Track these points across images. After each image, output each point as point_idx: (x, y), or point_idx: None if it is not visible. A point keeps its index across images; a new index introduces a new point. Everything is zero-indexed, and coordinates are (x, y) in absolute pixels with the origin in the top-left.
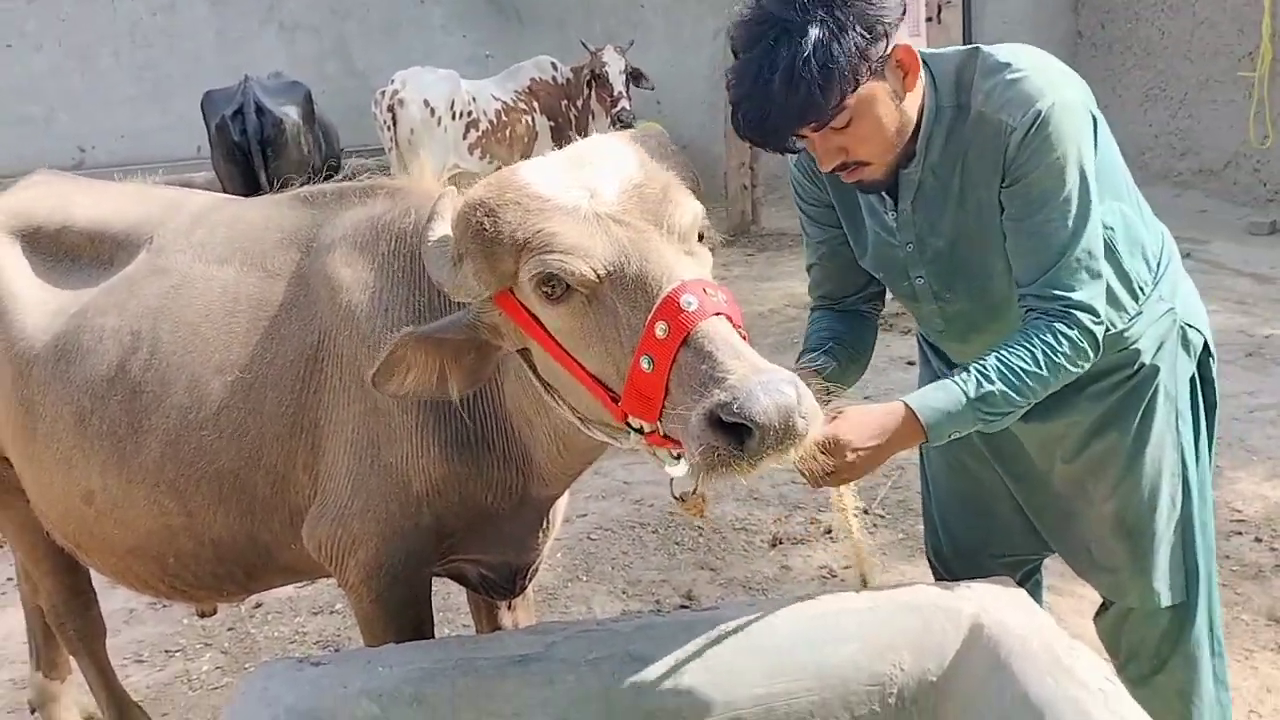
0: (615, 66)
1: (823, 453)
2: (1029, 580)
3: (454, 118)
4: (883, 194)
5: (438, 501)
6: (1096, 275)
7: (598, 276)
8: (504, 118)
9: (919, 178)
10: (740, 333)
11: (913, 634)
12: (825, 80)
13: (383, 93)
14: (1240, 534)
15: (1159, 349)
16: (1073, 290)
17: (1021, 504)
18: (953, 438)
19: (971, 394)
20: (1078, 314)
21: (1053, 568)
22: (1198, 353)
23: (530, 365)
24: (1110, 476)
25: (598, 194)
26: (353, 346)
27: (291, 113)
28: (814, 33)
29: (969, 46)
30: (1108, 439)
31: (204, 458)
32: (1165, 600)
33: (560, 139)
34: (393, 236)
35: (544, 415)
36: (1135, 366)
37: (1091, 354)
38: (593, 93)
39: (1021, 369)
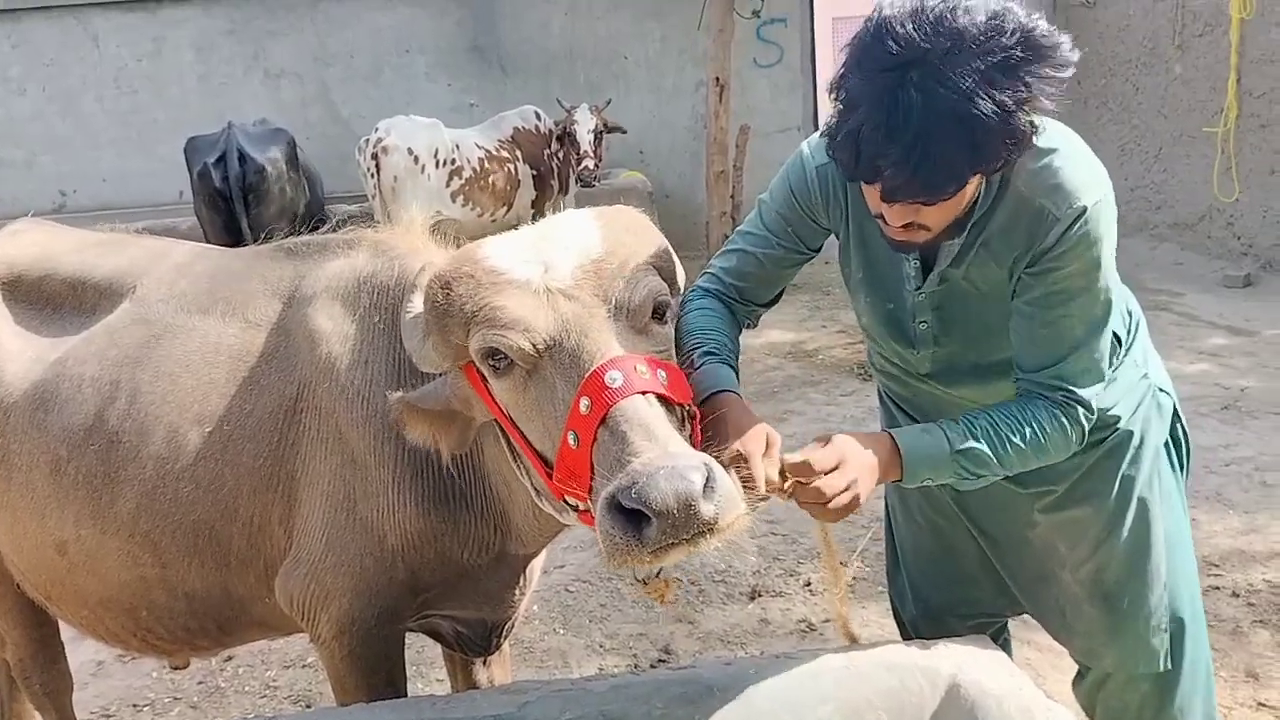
0: (585, 125)
1: (829, 482)
2: (997, 640)
3: (437, 165)
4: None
5: (413, 557)
6: (1100, 377)
7: (536, 351)
8: (487, 166)
9: (959, 247)
10: (689, 409)
11: (890, 694)
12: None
13: (366, 140)
14: (1217, 589)
15: (1135, 412)
16: (1078, 385)
17: (995, 564)
18: (924, 483)
19: (957, 445)
20: (1077, 408)
21: (1033, 623)
22: (1169, 416)
23: (503, 433)
24: (1088, 540)
25: (552, 269)
26: (331, 399)
27: (275, 159)
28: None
29: None
30: (1087, 503)
31: (180, 509)
32: (1146, 667)
33: (543, 188)
34: (375, 289)
35: (522, 478)
36: (1112, 430)
37: (1075, 447)
38: (564, 148)
39: (1009, 438)
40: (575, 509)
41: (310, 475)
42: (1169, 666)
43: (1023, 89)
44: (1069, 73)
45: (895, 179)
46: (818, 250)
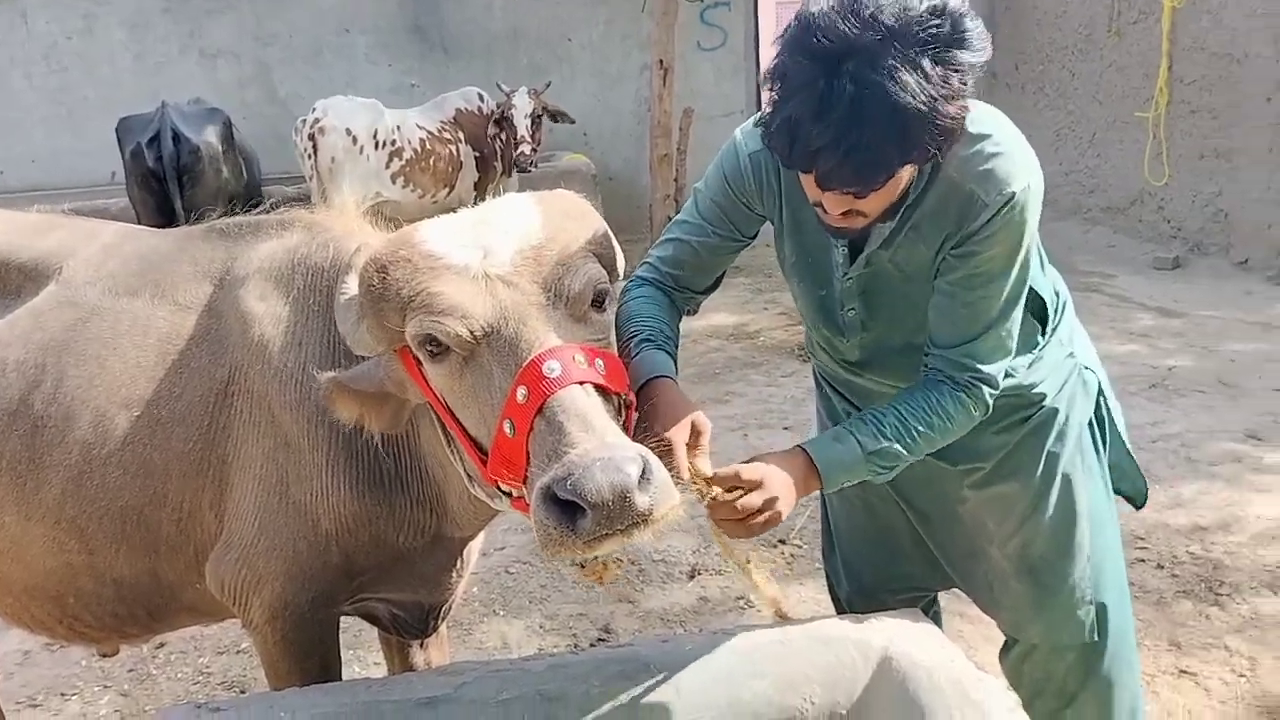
0: (522, 110)
1: (748, 500)
2: (929, 612)
3: (377, 147)
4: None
5: (347, 540)
6: (1008, 353)
7: (474, 338)
8: (428, 147)
9: (889, 230)
10: (626, 398)
11: (824, 667)
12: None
13: (303, 121)
14: (1143, 561)
15: (1060, 390)
16: (986, 363)
17: (926, 540)
18: (844, 485)
19: (868, 448)
20: (982, 387)
21: (965, 596)
22: (1094, 393)
23: (437, 418)
24: (1015, 516)
25: (491, 254)
26: (264, 382)
27: (209, 140)
28: (909, 79)
29: None
30: (1013, 479)
31: (107, 495)
32: (1071, 638)
33: (486, 169)
34: (309, 271)
35: (456, 462)
36: (1038, 408)
37: (979, 419)
38: (501, 132)
39: (916, 430)
40: (509, 495)
41: (242, 459)
42: (1095, 639)
43: (953, 76)
44: (987, 56)
45: (827, 166)
46: (753, 237)
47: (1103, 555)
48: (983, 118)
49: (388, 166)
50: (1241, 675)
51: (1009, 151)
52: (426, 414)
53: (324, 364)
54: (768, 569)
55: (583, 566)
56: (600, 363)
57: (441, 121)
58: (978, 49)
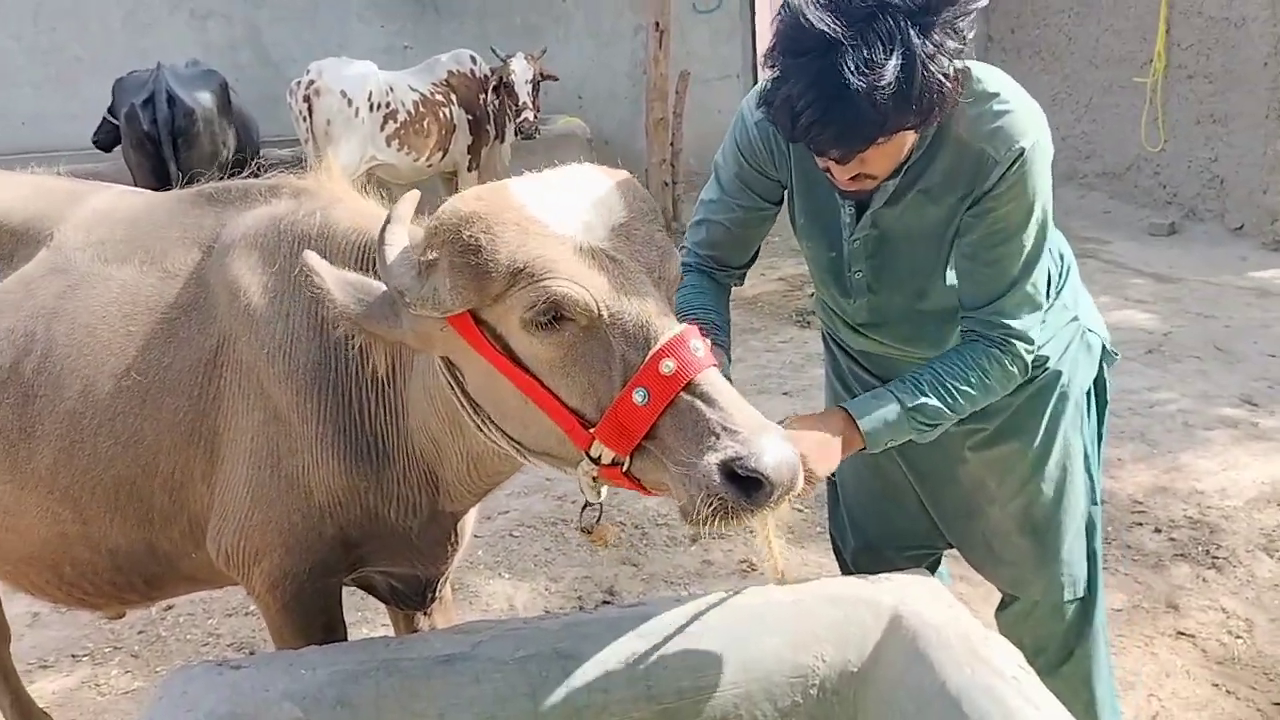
0: (522, 75)
1: None
2: (933, 572)
3: (371, 109)
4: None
5: (340, 513)
6: (1038, 307)
7: (598, 308)
8: (421, 109)
9: (894, 188)
10: None
11: (835, 626)
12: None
13: (298, 83)
14: (1141, 525)
15: (1064, 353)
16: (1015, 319)
17: (923, 500)
18: (888, 445)
19: (908, 404)
20: (1016, 343)
21: (961, 559)
22: (1098, 354)
23: (457, 384)
24: (1017, 475)
25: (590, 228)
26: (252, 353)
27: (205, 102)
28: (917, 43)
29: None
30: (1015, 440)
31: (98, 465)
32: (1069, 594)
33: (479, 133)
34: (295, 238)
35: (456, 437)
36: (1042, 370)
37: (1020, 379)
38: (500, 99)
39: (955, 387)
40: (596, 460)
41: (233, 431)
42: (1087, 593)
43: (949, 40)
44: (984, 2)
45: (820, 141)
46: (779, 204)
47: (1098, 514)
48: (989, 77)
49: (382, 129)
50: (1238, 637)
51: (1016, 109)
52: (418, 388)
53: (311, 336)
54: (784, 536)
55: (588, 532)
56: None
57: (433, 84)
58: (972, 6)
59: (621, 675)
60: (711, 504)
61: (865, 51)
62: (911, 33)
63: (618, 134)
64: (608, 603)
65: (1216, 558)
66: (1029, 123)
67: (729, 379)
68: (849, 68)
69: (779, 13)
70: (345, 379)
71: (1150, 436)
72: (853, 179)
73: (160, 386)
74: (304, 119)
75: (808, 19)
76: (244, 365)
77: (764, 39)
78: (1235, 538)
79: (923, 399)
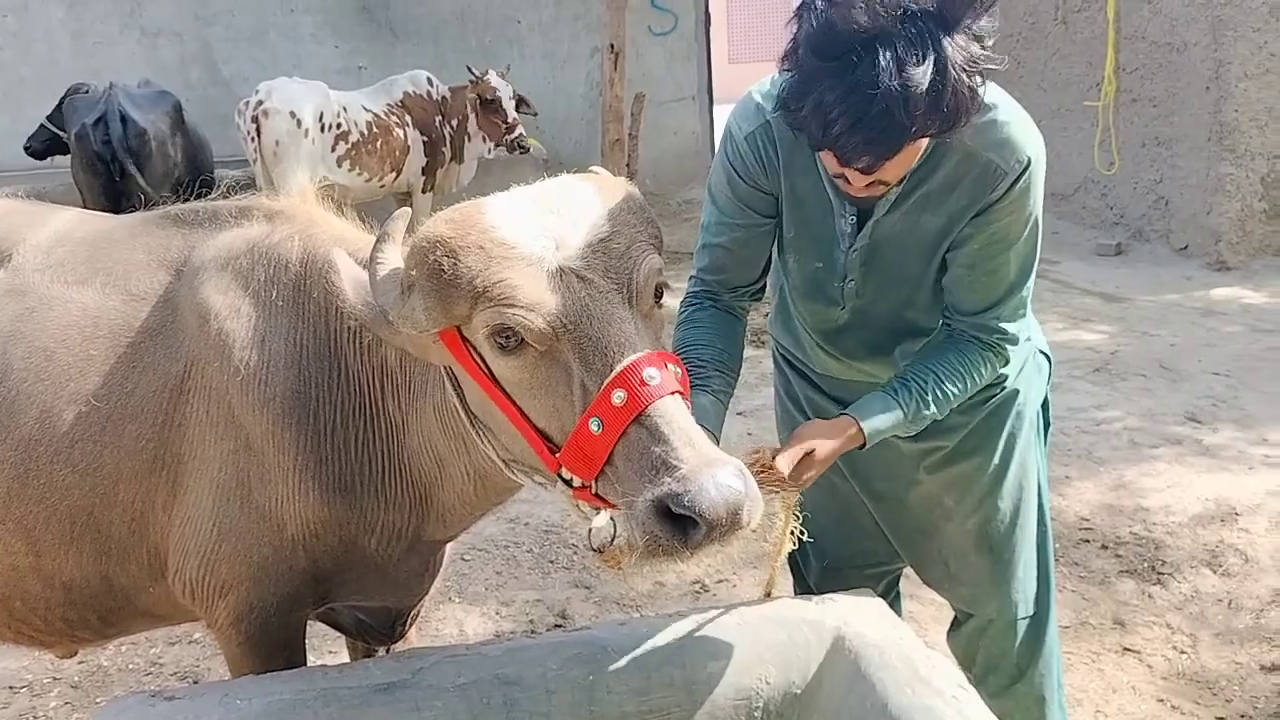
0: (505, 92)
1: (799, 464)
2: (891, 591)
3: (322, 130)
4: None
5: (314, 545)
6: (1027, 310)
7: (554, 333)
8: (375, 130)
9: (895, 195)
10: (688, 404)
11: (778, 648)
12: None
13: (246, 103)
14: (1088, 542)
15: (1020, 372)
16: (1010, 323)
17: (878, 520)
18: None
19: (910, 415)
20: (1007, 346)
21: (914, 577)
22: (1047, 375)
23: (459, 394)
24: (975, 493)
25: (563, 245)
26: (223, 380)
27: (158, 123)
28: (948, 49)
29: None
30: (975, 457)
31: (54, 494)
32: (1023, 610)
33: (434, 154)
34: (270, 262)
35: (462, 454)
36: (999, 388)
37: (999, 374)
38: (476, 116)
39: (950, 392)
40: (569, 484)
41: (199, 460)
42: (1039, 610)
43: (973, 46)
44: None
45: (850, 147)
46: (776, 217)
47: (1050, 531)
48: (989, 90)
49: (333, 150)
50: (1183, 652)
51: (1017, 120)
52: (432, 405)
53: (289, 363)
54: (786, 553)
55: (600, 552)
56: (676, 370)
57: (388, 104)
58: (993, 13)
59: (564, 700)
60: (646, 541)
61: (900, 57)
62: (942, 38)
63: (574, 155)
64: (559, 626)
65: (1161, 574)
66: (1030, 134)
67: (719, 408)
68: (885, 73)
69: (800, 13)
70: (328, 408)
71: (1097, 454)
72: (867, 185)
73: (122, 413)
74: (252, 139)
75: (843, 22)
76: (213, 392)
77: (719, 62)
78: (1180, 554)
79: (925, 411)
